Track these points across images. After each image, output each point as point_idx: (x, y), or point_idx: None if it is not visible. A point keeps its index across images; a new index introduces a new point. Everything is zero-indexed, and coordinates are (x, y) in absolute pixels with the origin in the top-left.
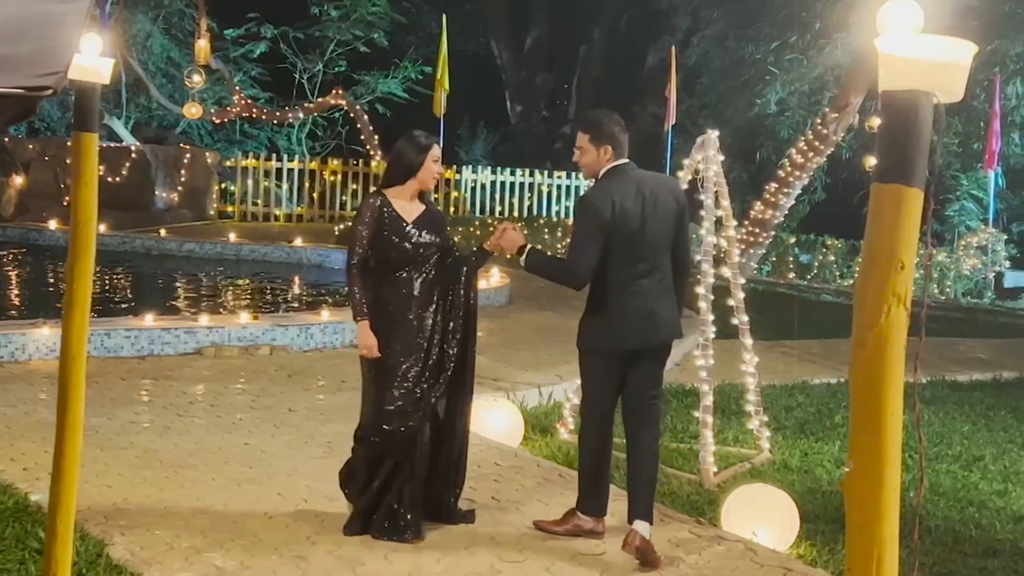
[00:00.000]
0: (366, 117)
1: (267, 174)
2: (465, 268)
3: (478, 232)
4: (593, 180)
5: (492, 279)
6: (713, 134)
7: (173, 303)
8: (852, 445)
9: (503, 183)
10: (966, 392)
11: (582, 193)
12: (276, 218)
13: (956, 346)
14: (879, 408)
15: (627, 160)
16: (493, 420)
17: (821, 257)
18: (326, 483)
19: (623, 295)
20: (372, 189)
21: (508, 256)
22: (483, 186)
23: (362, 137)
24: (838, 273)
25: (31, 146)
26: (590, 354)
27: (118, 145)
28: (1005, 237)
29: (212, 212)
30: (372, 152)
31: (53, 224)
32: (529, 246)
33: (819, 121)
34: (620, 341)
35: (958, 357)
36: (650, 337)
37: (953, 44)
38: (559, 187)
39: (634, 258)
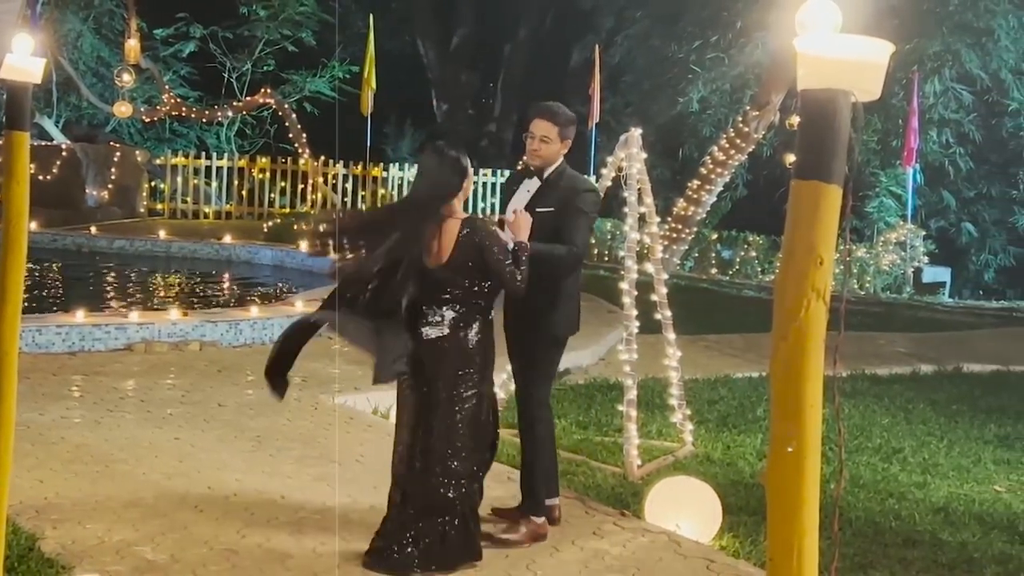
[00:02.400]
0: (294, 116)
1: (196, 172)
2: None
3: None
4: (538, 170)
5: None
6: (636, 132)
7: (104, 300)
8: (773, 436)
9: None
10: (885, 385)
11: (589, 182)
12: (205, 215)
13: (875, 340)
14: (799, 400)
15: None
16: None
17: (743, 253)
18: (256, 476)
19: (578, 282)
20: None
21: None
22: (410, 183)
23: (290, 135)
24: (759, 269)
25: None
26: (560, 341)
27: (49, 144)
28: (924, 233)
29: (142, 210)
30: (300, 150)
31: None
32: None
33: (740, 119)
34: (576, 326)
35: (877, 351)
36: None
37: (871, 44)
38: (484, 184)
39: None
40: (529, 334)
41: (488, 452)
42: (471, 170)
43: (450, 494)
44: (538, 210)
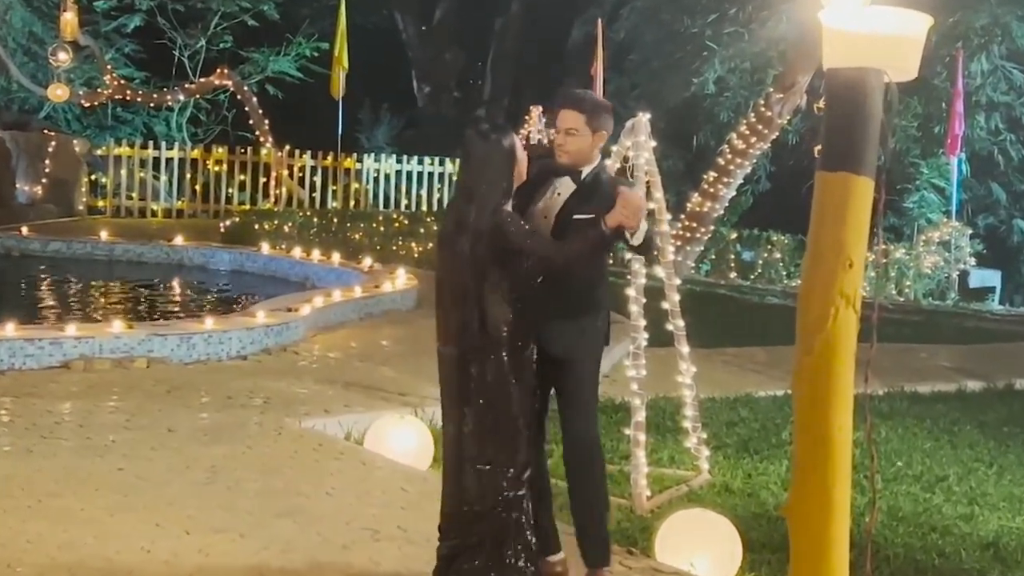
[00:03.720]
0: (255, 99)
1: (143, 164)
2: None
3: (382, 229)
4: (570, 169)
5: (398, 281)
6: (644, 117)
7: (37, 311)
8: (796, 463)
9: (409, 173)
10: (927, 405)
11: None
12: (153, 213)
13: (916, 353)
14: (826, 422)
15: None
16: (400, 439)
17: (766, 255)
18: (210, 512)
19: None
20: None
21: (630, 236)
22: (387, 176)
23: (250, 122)
24: (784, 272)
25: None
26: (597, 361)
27: None
28: (970, 231)
29: (81, 207)
30: (262, 139)
31: None
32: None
33: (762, 102)
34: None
35: (918, 366)
36: None
37: (905, 16)
38: None
39: None
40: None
41: None
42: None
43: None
44: (575, 217)
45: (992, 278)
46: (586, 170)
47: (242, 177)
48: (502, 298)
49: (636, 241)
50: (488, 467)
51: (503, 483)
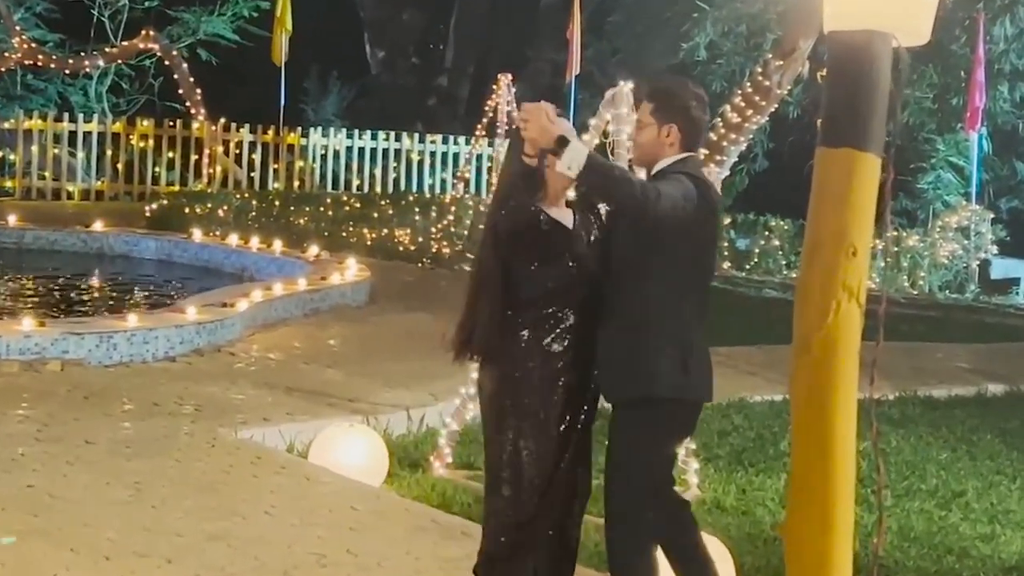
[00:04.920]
0: (185, 66)
1: (57, 139)
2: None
3: (330, 213)
4: (642, 167)
5: (347, 272)
6: (626, 87)
7: None
8: (793, 478)
9: (362, 149)
10: (943, 411)
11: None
12: (69, 195)
13: (931, 353)
14: (827, 430)
15: (694, 153)
16: (349, 452)
17: (763, 242)
18: (135, 535)
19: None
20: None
21: (530, 153)
22: (336, 153)
23: (180, 91)
24: (784, 262)
25: None
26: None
27: None
28: (991, 216)
29: None
30: (193, 110)
31: None
32: (575, 141)
33: (760, 71)
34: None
35: (933, 367)
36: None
37: None
38: (433, 154)
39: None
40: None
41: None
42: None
43: None
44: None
45: (1016, 268)
46: (658, 167)
47: (171, 154)
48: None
49: (566, 166)
50: (489, 509)
51: (500, 532)
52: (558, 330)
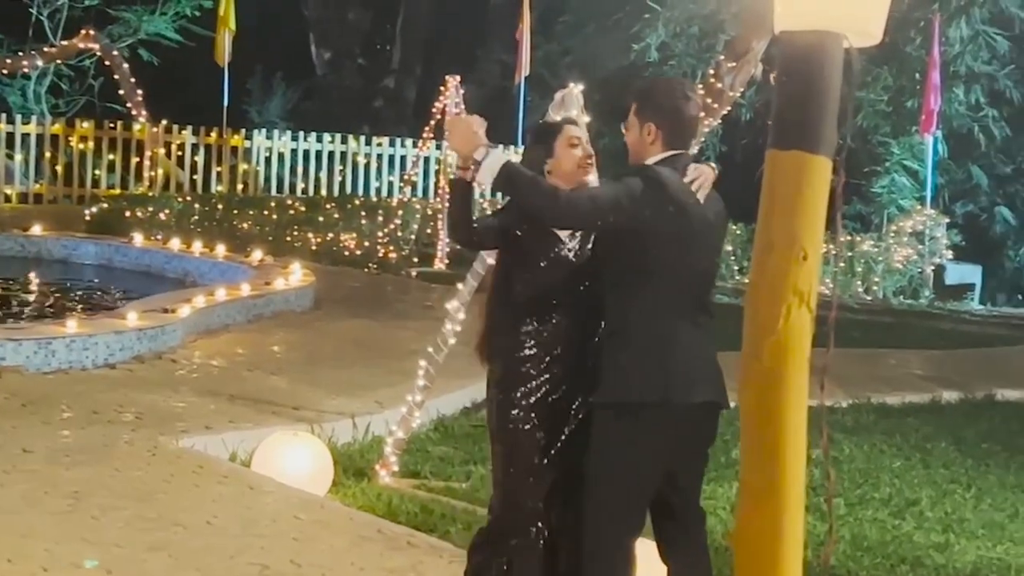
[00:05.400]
0: (126, 66)
1: None
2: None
3: (274, 217)
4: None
5: (292, 277)
6: (576, 88)
7: None
8: (743, 486)
9: (307, 152)
10: (897, 418)
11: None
12: (7, 199)
13: (884, 359)
14: (777, 437)
15: (680, 152)
16: (293, 461)
17: None
18: (72, 545)
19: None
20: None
21: (460, 165)
22: (281, 156)
23: (121, 92)
24: (736, 267)
25: None
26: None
27: None
28: (946, 220)
29: None
30: (135, 111)
31: None
32: (494, 150)
33: (712, 72)
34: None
35: (887, 373)
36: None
37: None
38: (380, 157)
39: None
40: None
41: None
42: (570, 128)
43: None
44: None
45: (971, 274)
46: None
47: (111, 156)
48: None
49: (479, 177)
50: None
51: (494, 538)
52: (547, 333)
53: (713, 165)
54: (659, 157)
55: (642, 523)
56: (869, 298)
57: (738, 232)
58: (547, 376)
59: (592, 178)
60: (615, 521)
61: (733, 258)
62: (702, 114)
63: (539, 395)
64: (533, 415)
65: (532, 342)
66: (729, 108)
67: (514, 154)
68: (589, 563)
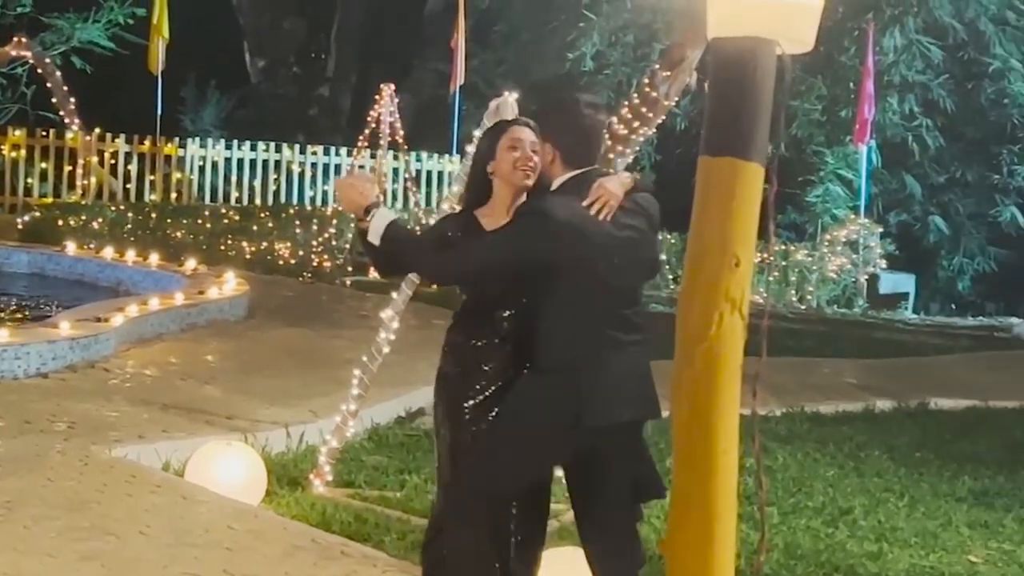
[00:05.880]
0: (59, 74)
1: None
2: None
3: (208, 225)
4: None
5: (225, 286)
6: (511, 97)
7: None
8: (674, 493)
9: (241, 160)
10: (831, 427)
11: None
12: None
13: (818, 368)
14: (709, 445)
15: (586, 169)
16: (227, 470)
17: None
18: (4, 554)
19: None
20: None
21: (353, 219)
22: (215, 164)
23: (54, 100)
24: (671, 276)
25: None
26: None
27: None
28: (880, 230)
29: None
30: (67, 120)
31: None
32: (380, 209)
33: (647, 81)
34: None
35: (820, 382)
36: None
37: None
38: (315, 166)
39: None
40: None
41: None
42: (515, 128)
43: None
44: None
45: (905, 283)
46: (553, 189)
47: (43, 164)
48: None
49: (370, 236)
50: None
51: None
52: (481, 341)
53: (628, 176)
54: (564, 178)
55: (499, 524)
56: (803, 307)
57: (672, 241)
58: (496, 383)
59: (530, 182)
60: (467, 519)
61: (667, 267)
62: (616, 122)
63: (487, 395)
64: (479, 417)
65: (483, 342)
66: (664, 117)
67: (448, 163)
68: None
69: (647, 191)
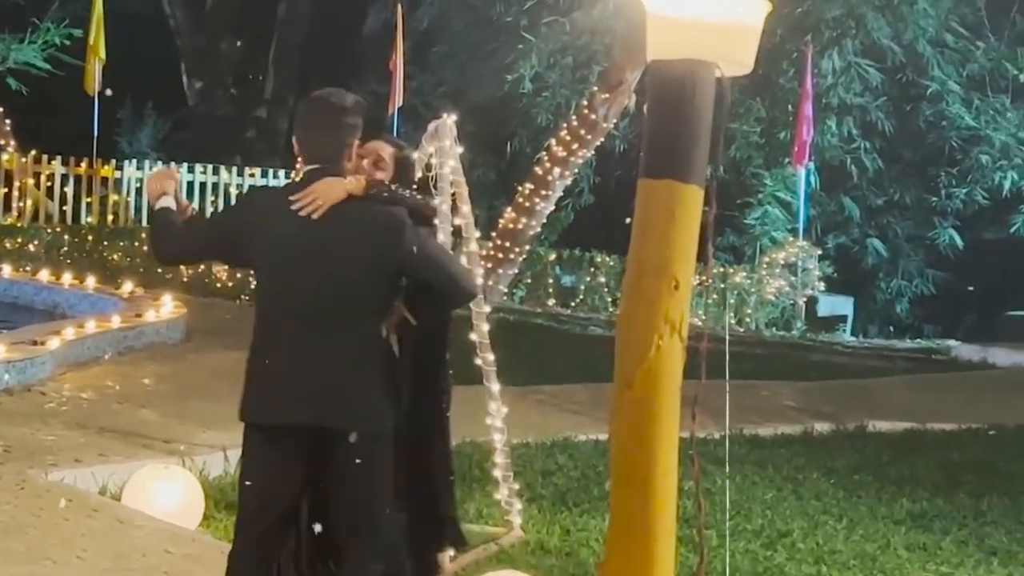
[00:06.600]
0: None
1: None
2: None
3: (145, 248)
4: None
5: (163, 309)
6: (450, 119)
7: None
8: (613, 515)
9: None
10: (769, 449)
11: None
12: None
13: (756, 391)
14: (648, 467)
15: (317, 166)
16: (164, 494)
17: (588, 279)
18: None
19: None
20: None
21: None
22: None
23: None
24: (610, 299)
25: None
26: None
27: None
28: (819, 252)
29: None
30: (3, 141)
31: None
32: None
33: (586, 103)
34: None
35: (759, 404)
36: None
37: (739, 2)
38: (253, 188)
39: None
40: None
41: None
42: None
43: None
44: None
45: (843, 305)
46: None
47: None
48: None
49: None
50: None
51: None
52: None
53: (353, 180)
54: (304, 171)
55: (258, 535)
56: (741, 330)
57: (611, 264)
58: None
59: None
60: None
61: (606, 289)
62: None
63: None
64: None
65: None
66: (603, 139)
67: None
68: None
69: (397, 202)
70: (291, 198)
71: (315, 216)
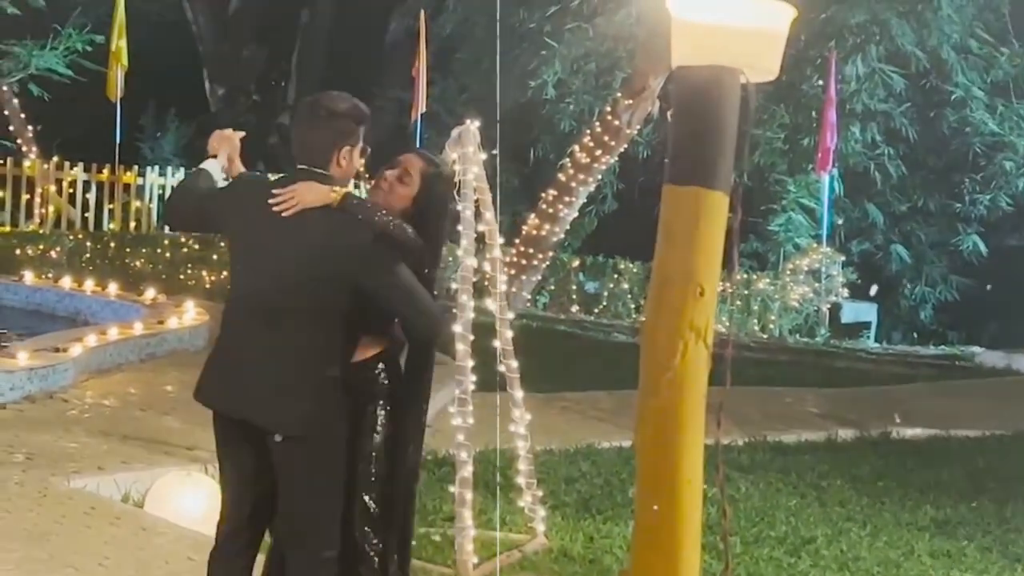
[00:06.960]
0: (16, 101)
1: None
2: None
3: (167, 255)
4: None
5: (185, 316)
6: (473, 126)
7: None
8: (638, 523)
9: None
10: (793, 456)
11: None
12: None
13: (780, 397)
14: (673, 474)
15: (304, 166)
16: (187, 501)
17: (612, 285)
18: None
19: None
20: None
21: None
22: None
23: (11, 128)
24: (633, 305)
25: None
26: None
27: None
28: (842, 259)
29: None
30: (25, 148)
31: None
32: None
33: (609, 110)
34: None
35: (783, 411)
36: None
37: (764, 8)
38: (244, 172)
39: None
40: None
41: None
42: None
43: None
44: None
45: (867, 312)
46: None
47: (0, 193)
48: None
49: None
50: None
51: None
52: None
53: (327, 189)
54: (295, 170)
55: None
56: (765, 336)
57: (635, 270)
58: None
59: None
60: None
61: (630, 296)
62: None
63: None
64: None
65: None
66: (626, 145)
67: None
68: None
69: (369, 223)
70: (273, 191)
71: (286, 215)
